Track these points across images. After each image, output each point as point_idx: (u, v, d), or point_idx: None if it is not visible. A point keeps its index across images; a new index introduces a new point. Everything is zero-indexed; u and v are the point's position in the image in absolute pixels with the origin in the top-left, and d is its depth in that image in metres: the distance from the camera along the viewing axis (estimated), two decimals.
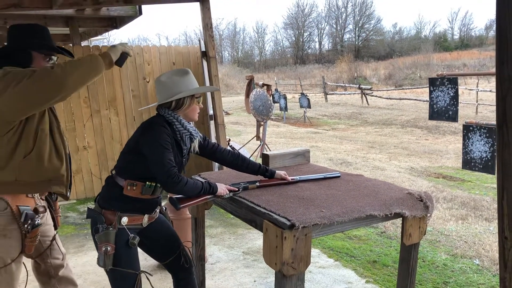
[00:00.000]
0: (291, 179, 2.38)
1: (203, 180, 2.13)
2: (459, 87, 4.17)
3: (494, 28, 1.61)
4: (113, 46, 2.17)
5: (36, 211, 2.16)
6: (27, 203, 2.14)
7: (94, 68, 2.04)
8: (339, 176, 2.52)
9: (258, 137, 7.67)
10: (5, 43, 2.18)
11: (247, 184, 2.28)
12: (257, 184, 2.30)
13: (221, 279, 3.41)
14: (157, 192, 2.11)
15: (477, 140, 3.86)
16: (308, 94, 18.61)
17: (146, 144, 2.00)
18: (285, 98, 16.83)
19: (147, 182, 2.05)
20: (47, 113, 2.16)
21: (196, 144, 2.24)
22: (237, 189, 2.21)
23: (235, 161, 2.36)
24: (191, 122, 2.19)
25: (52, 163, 2.17)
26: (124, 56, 2.21)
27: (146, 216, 2.15)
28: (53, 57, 2.19)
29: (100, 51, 5.67)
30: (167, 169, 1.93)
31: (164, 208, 2.39)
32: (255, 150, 7.70)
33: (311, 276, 3.38)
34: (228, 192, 2.17)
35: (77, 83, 2.00)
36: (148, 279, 2.17)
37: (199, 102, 2.18)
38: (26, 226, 2.09)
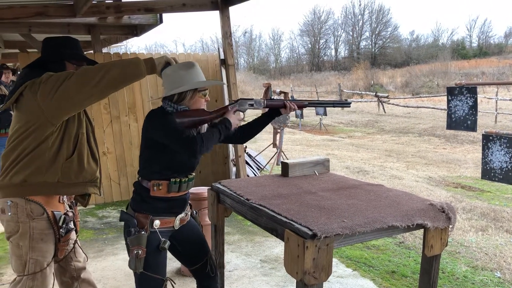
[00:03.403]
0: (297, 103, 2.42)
1: (219, 127, 2.15)
2: (477, 96, 4.13)
3: None
4: (160, 56, 2.21)
5: (66, 215, 2.24)
6: (59, 208, 2.24)
7: (133, 69, 2.07)
8: (349, 104, 2.55)
9: (274, 145, 7.68)
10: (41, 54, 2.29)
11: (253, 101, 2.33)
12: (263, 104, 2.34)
13: (239, 286, 3.42)
14: (183, 187, 2.14)
15: (497, 150, 3.82)
16: None
17: (154, 129, 2.04)
18: None
19: (172, 179, 2.09)
20: (84, 118, 2.28)
21: (204, 128, 2.23)
22: (242, 116, 2.28)
23: (241, 130, 2.38)
24: None
25: (90, 165, 2.29)
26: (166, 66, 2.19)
27: (178, 218, 2.18)
28: (83, 66, 2.28)
29: (120, 58, 5.76)
30: (183, 137, 1.96)
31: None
32: (272, 158, 7.71)
33: (329, 286, 3.36)
34: (239, 121, 2.24)
35: (116, 80, 2.05)
36: (172, 286, 2.20)
37: (205, 95, 2.17)
38: (61, 230, 2.18)
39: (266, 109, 2.43)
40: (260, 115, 2.45)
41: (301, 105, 2.45)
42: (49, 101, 2.03)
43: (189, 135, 1.97)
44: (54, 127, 2.11)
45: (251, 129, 2.41)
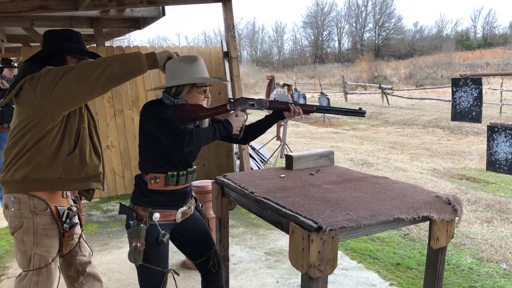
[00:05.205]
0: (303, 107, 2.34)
1: (216, 126, 2.10)
2: (482, 87, 4.09)
3: None
4: (162, 51, 2.17)
5: (70, 210, 2.23)
6: (63, 203, 2.23)
7: (134, 63, 2.03)
8: (364, 113, 2.38)
9: (278, 137, 7.67)
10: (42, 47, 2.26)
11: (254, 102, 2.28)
12: (265, 105, 2.30)
13: (244, 279, 3.42)
14: (181, 181, 2.11)
15: (502, 141, 3.79)
16: (327, 94, 18.50)
17: (147, 120, 2.02)
18: (304, 97, 16.77)
19: (169, 172, 2.07)
20: (86, 113, 2.25)
21: (205, 124, 2.19)
22: (246, 117, 2.22)
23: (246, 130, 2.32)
24: None
25: (92, 161, 2.27)
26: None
27: (179, 211, 2.16)
28: (84, 60, 2.25)
29: (123, 51, 5.74)
30: (173, 128, 1.93)
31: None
32: (275, 150, 7.70)
33: (334, 278, 3.36)
34: (242, 125, 2.18)
35: (116, 75, 2.01)
36: (174, 278, 2.19)
37: (206, 92, 2.11)
38: (65, 225, 2.17)
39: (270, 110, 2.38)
40: (264, 117, 2.40)
41: (308, 110, 2.34)
42: (48, 95, 2.00)
43: (179, 126, 1.94)
44: (54, 122, 2.08)
45: (253, 131, 2.36)
